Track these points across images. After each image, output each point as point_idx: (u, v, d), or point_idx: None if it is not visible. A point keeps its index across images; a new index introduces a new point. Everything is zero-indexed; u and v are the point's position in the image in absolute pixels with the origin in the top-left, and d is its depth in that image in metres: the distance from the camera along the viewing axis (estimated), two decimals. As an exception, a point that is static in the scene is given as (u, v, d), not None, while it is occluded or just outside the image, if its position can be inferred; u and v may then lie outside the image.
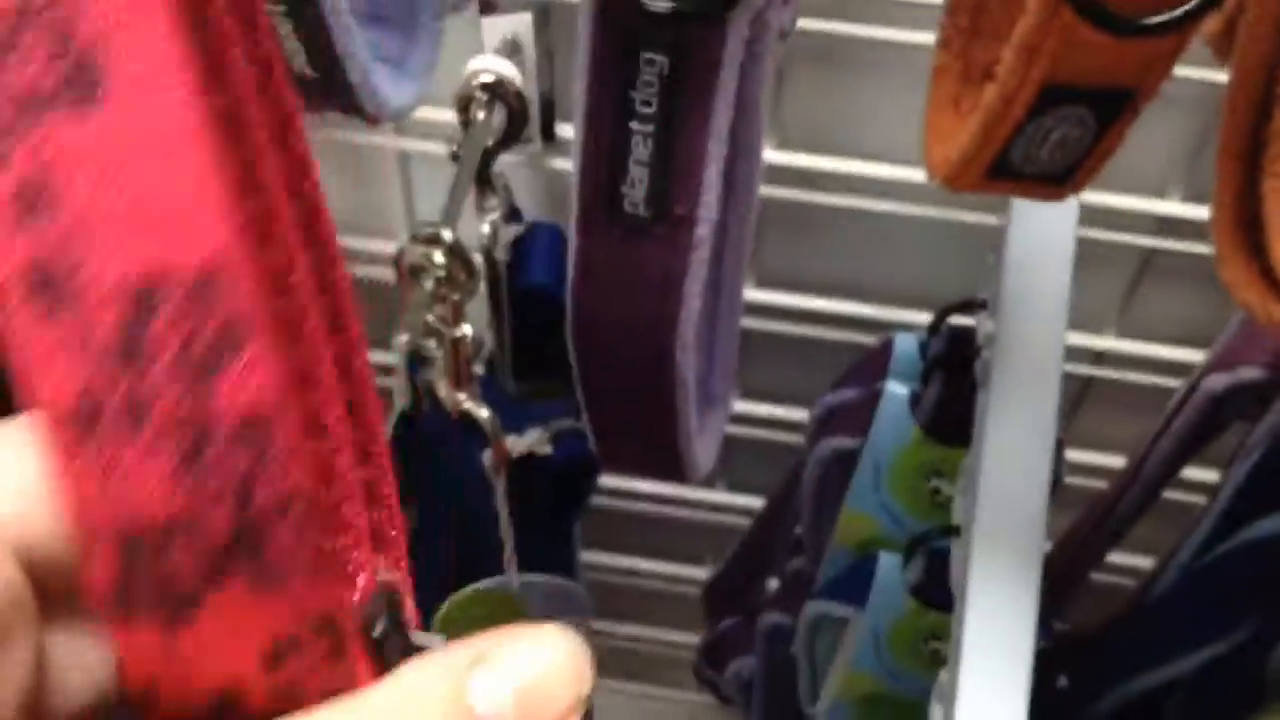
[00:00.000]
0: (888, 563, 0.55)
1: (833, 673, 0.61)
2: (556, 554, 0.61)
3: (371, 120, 0.38)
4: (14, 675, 0.15)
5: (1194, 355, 0.60)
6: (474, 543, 0.53)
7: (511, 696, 0.16)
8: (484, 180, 0.52)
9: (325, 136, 0.63)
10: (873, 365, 0.58)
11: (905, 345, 0.57)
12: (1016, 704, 0.43)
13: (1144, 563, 0.72)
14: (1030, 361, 0.44)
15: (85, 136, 0.14)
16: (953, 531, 0.54)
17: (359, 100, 0.36)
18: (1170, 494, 0.63)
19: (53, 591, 0.15)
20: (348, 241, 0.68)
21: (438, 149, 0.61)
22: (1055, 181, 0.31)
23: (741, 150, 0.37)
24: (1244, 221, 0.32)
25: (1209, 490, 0.64)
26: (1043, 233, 0.46)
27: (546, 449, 0.57)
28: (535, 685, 0.16)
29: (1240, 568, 0.51)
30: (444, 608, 0.52)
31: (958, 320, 0.54)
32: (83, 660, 0.16)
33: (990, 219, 0.58)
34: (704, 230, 0.33)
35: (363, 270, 0.69)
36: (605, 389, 0.39)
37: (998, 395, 0.44)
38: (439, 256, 0.46)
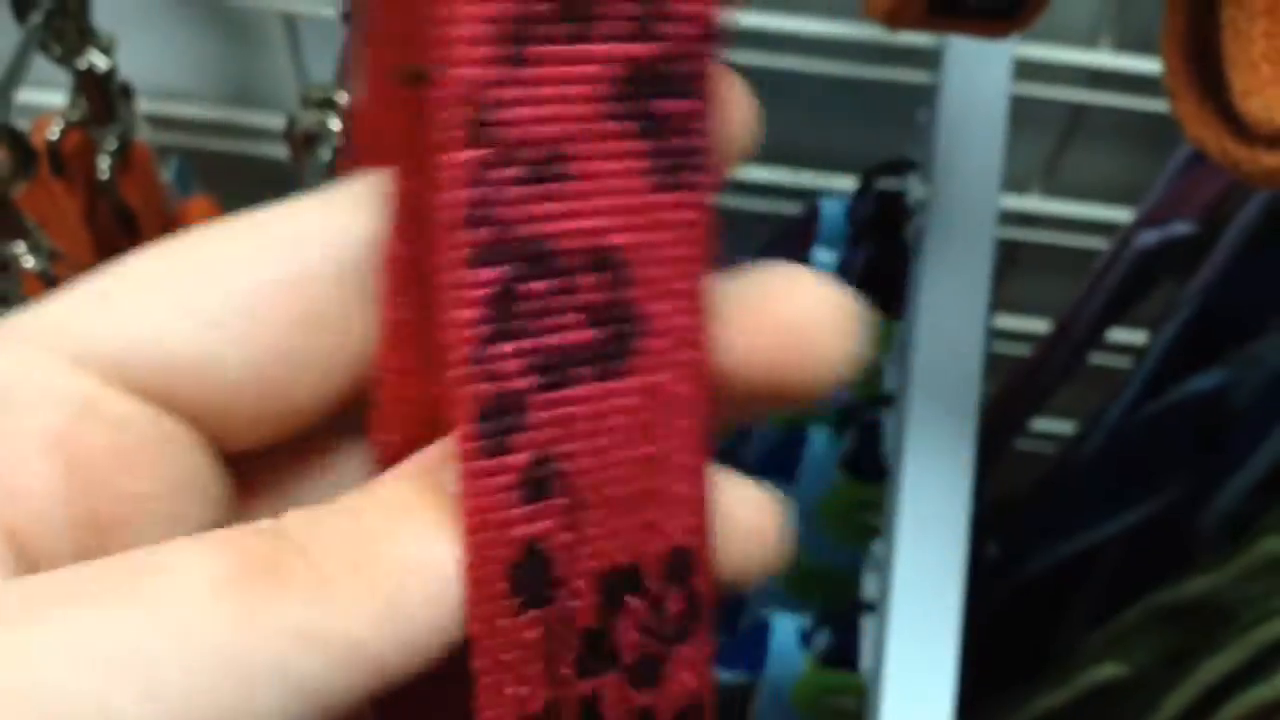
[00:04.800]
0: (818, 437, 0.54)
1: (761, 549, 0.60)
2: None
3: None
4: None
5: (1122, 214, 0.59)
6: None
7: None
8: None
9: (206, 1, 0.58)
10: (799, 233, 0.55)
11: (832, 211, 0.54)
12: (953, 571, 0.42)
13: (1066, 428, 0.72)
14: (965, 226, 0.42)
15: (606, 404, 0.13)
16: (884, 401, 0.52)
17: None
18: (1095, 358, 0.63)
19: None
20: (235, 115, 0.63)
21: (328, 10, 0.56)
22: (1003, 15, 0.29)
23: None
24: (1196, 54, 0.30)
25: (1135, 353, 0.64)
26: (976, 89, 0.44)
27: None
28: None
29: (1170, 426, 0.51)
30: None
31: (885, 183, 0.52)
32: None
33: (920, 75, 0.55)
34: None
35: (252, 146, 0.65)
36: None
37: (931, 261, 0.42)
38: (334, 122, 0.42)
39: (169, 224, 0.54)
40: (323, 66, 0.62)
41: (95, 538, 0.13)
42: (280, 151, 0.65)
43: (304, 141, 0.43)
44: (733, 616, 0.63)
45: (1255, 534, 0.44)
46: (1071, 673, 0.52)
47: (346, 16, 0.48)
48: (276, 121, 0.63)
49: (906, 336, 0.44)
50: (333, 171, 0.44)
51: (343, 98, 0.43)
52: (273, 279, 0.14)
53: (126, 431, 0.13)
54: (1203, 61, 0.30)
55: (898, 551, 0.42)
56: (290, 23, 0.60)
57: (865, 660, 0.50)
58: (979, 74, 0.46)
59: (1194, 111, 0.29)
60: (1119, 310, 0.56)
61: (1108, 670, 0.50)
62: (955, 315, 0.42)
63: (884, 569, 0.43)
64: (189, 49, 0.61)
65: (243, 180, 0.61)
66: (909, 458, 0.42)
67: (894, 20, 0.29)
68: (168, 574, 0.11)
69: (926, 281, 0.43)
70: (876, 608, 0.43)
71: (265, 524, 0.12)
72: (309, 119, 0.42)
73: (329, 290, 0.14)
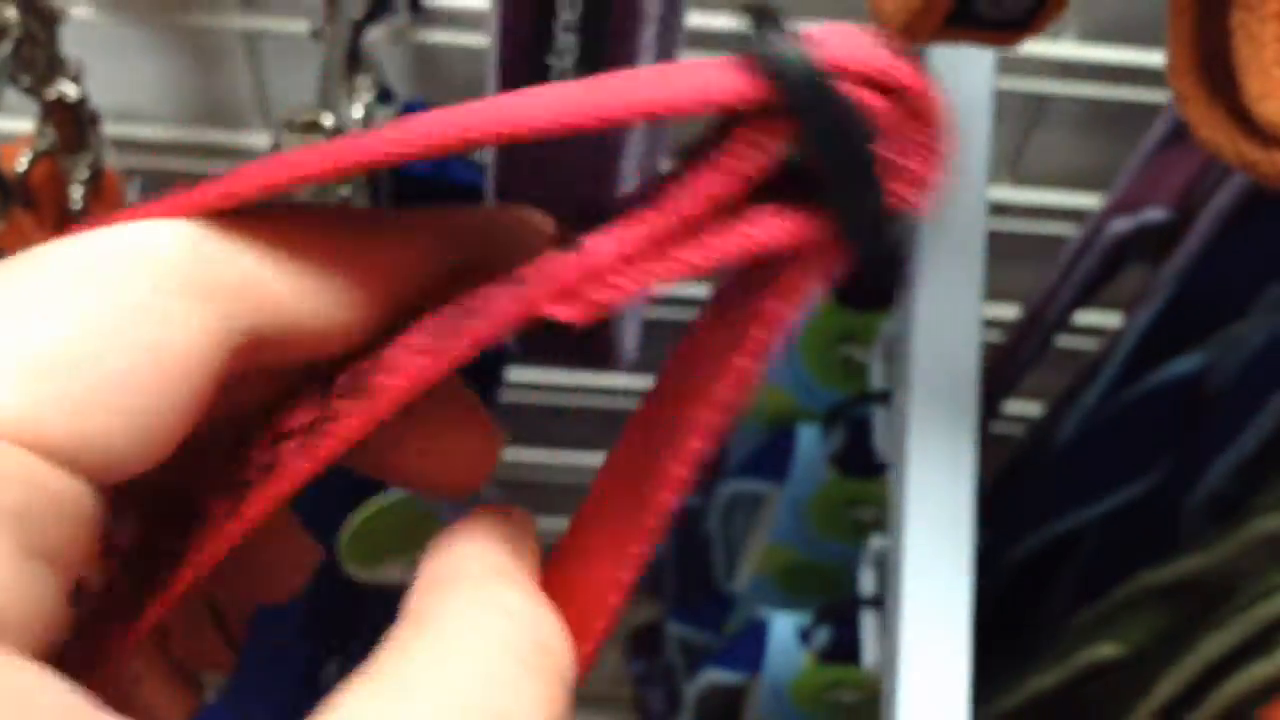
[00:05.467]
0: (807, 435, 0.54)
1: (750, 548, 0.61)
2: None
3: None
4: None
5: (1089, 200, 0.60)
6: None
7: None
8: (353, 57, 0.48)
9: (166, 20, 0.57)
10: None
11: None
12: (961, 563, 0.42)
13: (1033, 409, 0.73)
14: (957, 220, 0.43)
15: None
16: (873, 399, 0.53)
17: None
18: (1061, 340, 0.64)
19: None
20: (195, 134, 0.62)
21: (295, 27, 0.55)
22: (1018, 26, 0.29)
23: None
24: (1204, 58, 0.31)
25: (1101, 335, 0.65)
26: (961, 84, 0.44)
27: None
28: None
29: (1151, 410, 0.52)
30: (353, 523, 0.49)
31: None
32: None
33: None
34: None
35: (214, 165, 0.63)
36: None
37: (925, 255, 0.43)
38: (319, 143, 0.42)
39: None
40: (284, 83, 0.61)
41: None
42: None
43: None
44: (722, 615, 0.63)
45: (1248, 513, 0.45)
46: (1065, 653, 0.53)
47: (315, 34, 0.48)
48: (240, 139, 0.62)
49: (902, 331, 0.44)
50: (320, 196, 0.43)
51: (327, 120, 0.42)
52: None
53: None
54: (1211, 63, 0.30)
55: (906, 546, 0.42)
56: (251, 41, 0.59)
57: (868, 654, 0.51)
58: (963, 69, 0.46)
59: (1203, 114, 0.29)
60: (1090, 296, 0.57)
61: (1104, 650, 0.51)
62: (951, 309, 0.42)
63: (890, 565, 0.43)
64: (145, 69, 0.60)
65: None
66: (913, 451, 0.42)
67: (911, 34, 0.29)
68: None
69: (921, 276, 0.43)
70: (883, 602, 0.44)
71: None
72: (292, 143, 0.42)
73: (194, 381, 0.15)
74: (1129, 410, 0.53)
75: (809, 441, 0.54)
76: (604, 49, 0.31)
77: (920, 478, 0.42)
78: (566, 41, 0.30)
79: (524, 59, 0.31)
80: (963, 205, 0.43)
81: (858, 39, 0.14)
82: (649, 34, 0.31)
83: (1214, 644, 0.45)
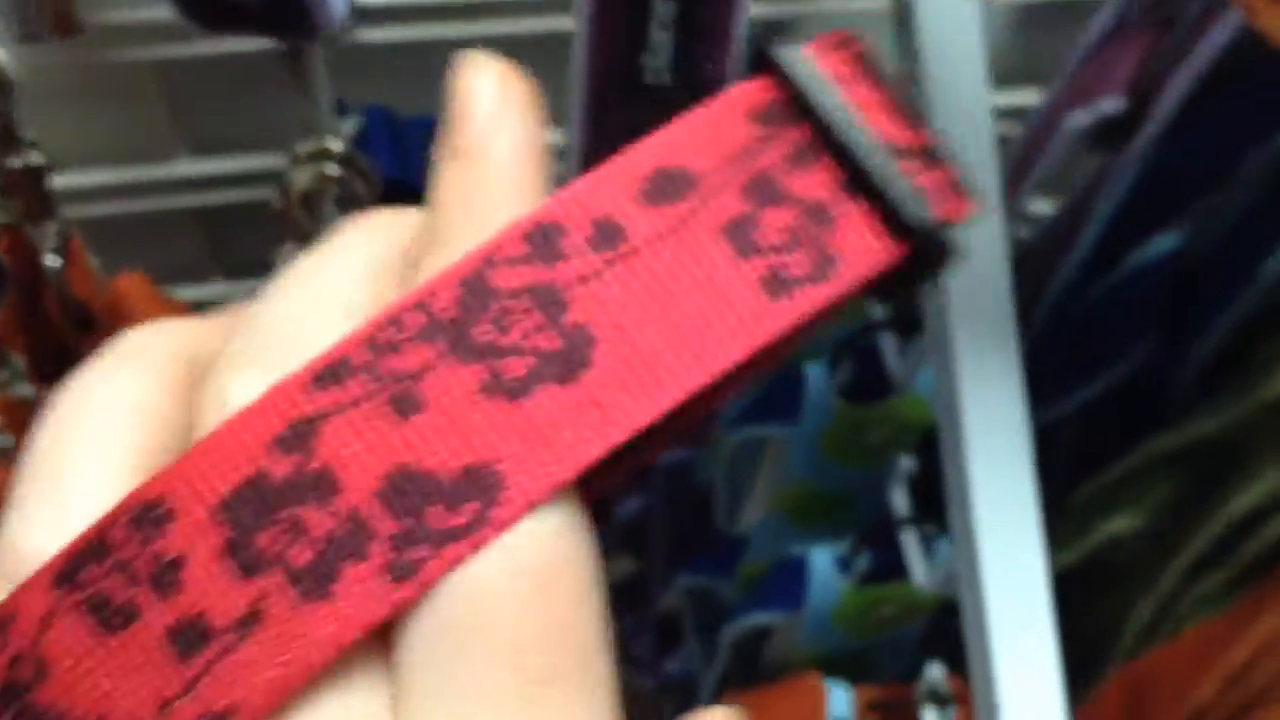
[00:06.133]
0: (814, 372, 0.55)
1: (759, 490, 0.62)
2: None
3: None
4: None
5: (1026, 97, 0.62)
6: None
7: None
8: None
9: (74, 58, 0.53)
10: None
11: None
12: (1025, 471, 0.44)
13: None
14: (963, 127, 0.43)
15: None
16: (879, 327, 0.54)
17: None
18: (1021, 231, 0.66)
19: None
20: (118, 175, 0.59)
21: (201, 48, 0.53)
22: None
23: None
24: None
25: (1041, 220, 0.67)
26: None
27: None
28: None
29: (1134, 292, 0.54)
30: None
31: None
32: None
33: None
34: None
35: (140, 205, 0.60)
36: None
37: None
38: (332, 170, 0.40)
39: (111, 310, 0.50)
40: (198, 111, 0.58)
41: None
42: (174, 203, 0.61)
43: (303, 201, 0.40)
44: (734, 559, 0.64)
45: (1260, 376, 0.48)
46: (1080, 530, 0.56)
47: (284, 55, 0.46)
48: (161, 172, 0.59)
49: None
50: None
51: (336, 145, 0.40)
52: None
53: None
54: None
55: (970, 465, 0.43)
56: (164, 72, 0.56)
57: (917, 572, 0.52)
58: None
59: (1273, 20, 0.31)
60: (1046, 189, 0.59)
61: (1120, 523, 0.54)
62: (977, 231, 0.43)
63: (957, 484, 0.44)
64: (61, 115, 0.56)
65: (134, 240, 0.57)
66: (961, 381, 0.43)
67: None
68: None
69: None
70: (954, 528, 0.45)
71: None
72: (305, 174, 0.40)
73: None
74: (1109, 297, 0.55)
75: (816, 378, 0.55)
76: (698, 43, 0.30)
77: (973, 391, 0.43)
78: (660, 39, 0.30)
79: (617, 59, 0.30)
80: (968, 109, 0.44)
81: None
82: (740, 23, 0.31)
83: (1242, 503, 0.48)
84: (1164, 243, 0.52)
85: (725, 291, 0.15)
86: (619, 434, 0.14)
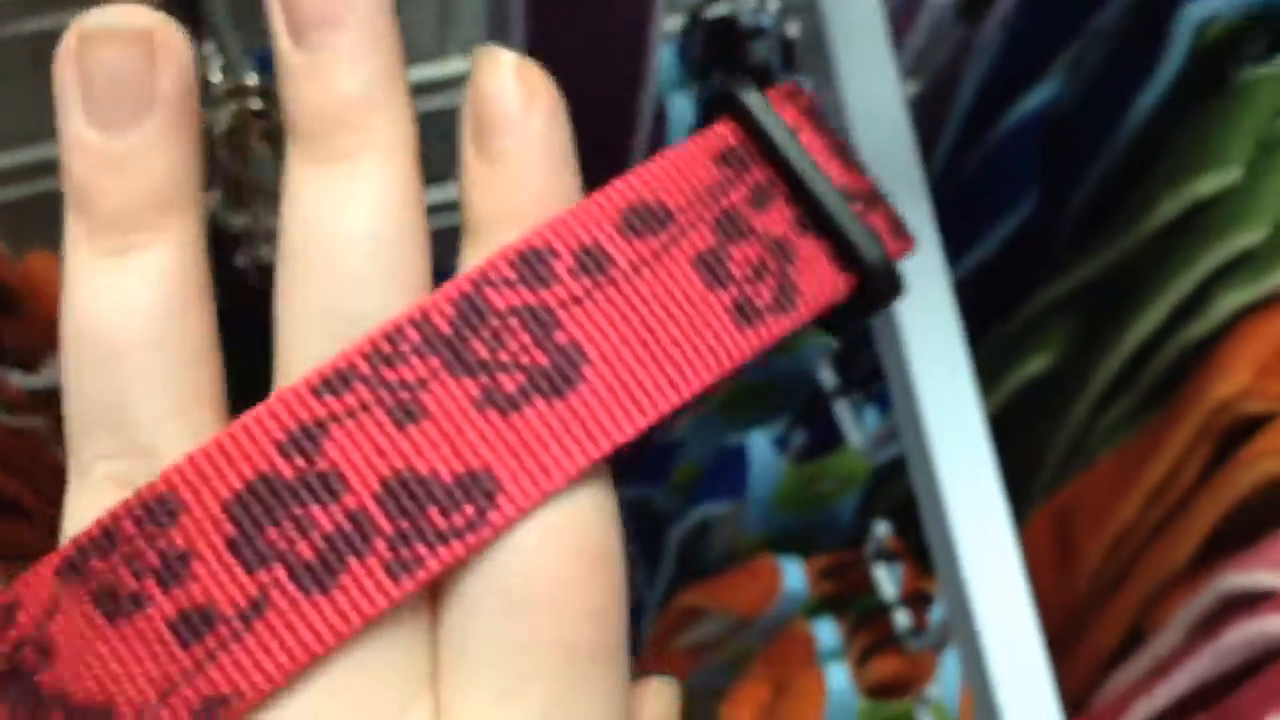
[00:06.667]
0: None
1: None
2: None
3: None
4: None
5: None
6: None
7: None
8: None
9: None
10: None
11: (664, 59, 0.56)
12: (951, 324, 0.46)
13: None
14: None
15: None
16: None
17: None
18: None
19: None
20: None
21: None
22: None
23: None
24: None
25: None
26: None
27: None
28: None
29: (1016, 147, 0.57)
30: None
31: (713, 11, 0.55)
32: None
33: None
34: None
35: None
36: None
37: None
38: (255, 104, 0.40)
39: (22, 289, 0.50)
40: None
41: None
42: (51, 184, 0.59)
43: (226, 140, 0.40)
44: (666, 465, 0.66)
45: (1136, 210, 0.51)
46: (994, 378, 0.59)
47: None
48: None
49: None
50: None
51: (253, 79, 0.40)
52: None
53: None
54: None
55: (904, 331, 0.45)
56: (37, 49, 0.54)
57: (852, 437, 0.55)
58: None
59: None
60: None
61: (1034, 365, 0.57)
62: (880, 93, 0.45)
63: (898, 379, 0.46)
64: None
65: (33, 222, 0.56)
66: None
67: None
68: None
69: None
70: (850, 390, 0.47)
71: None
72: (224, 116, 0.40)
73: None
74: (992, 155, 0.58)
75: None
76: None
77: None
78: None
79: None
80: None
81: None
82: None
83: (1138, 330, 0.51)
84: (1039, 95, 0.55)
85: (700, 318, 0.16)
86: (603, 447, 0.15)
